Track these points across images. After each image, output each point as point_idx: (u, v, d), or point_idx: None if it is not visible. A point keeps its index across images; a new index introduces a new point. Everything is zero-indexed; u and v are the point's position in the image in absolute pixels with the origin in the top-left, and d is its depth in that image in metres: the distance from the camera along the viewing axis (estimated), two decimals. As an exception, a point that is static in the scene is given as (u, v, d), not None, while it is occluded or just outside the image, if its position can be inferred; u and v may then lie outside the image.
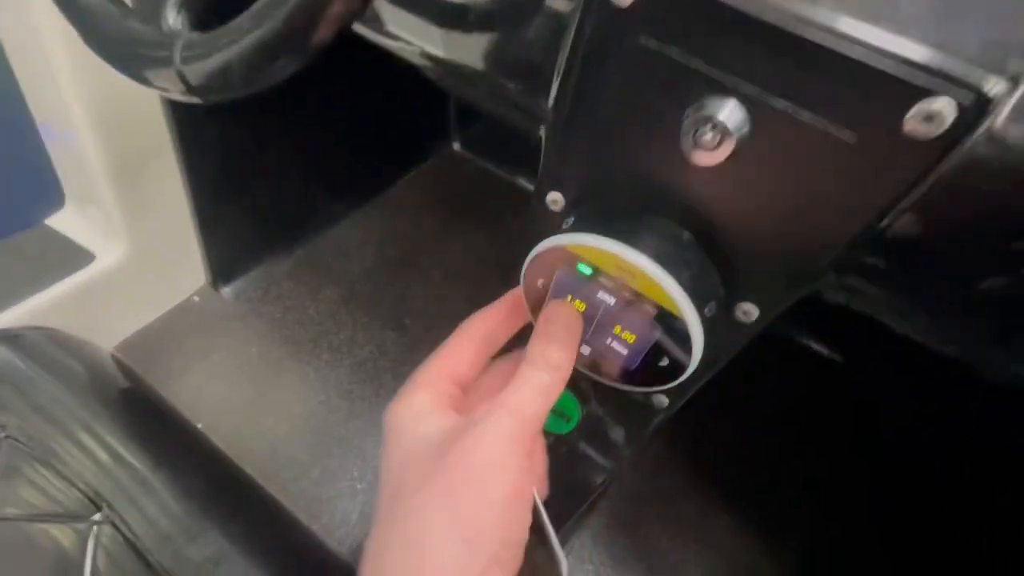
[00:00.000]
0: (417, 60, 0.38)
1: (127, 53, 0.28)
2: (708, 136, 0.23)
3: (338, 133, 0.80)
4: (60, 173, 0.63)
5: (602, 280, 0.29)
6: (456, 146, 0.99)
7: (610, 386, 0.36)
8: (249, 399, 0.65)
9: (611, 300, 0.30)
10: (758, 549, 0.62)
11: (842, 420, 0.74)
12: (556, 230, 0.31)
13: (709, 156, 0.24)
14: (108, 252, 0.61)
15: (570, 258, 0.30)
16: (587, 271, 0.29)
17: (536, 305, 0.34)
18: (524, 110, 0.34)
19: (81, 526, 0.44)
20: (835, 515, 0.66)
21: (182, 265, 0.71)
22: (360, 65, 0.55)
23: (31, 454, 0.47)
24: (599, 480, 0.49)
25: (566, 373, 0.30)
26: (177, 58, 0.26)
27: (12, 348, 0.55)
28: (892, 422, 0.74)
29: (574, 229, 0.30)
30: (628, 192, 0.30)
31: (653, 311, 0.28)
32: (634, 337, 0.31)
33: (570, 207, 0.33)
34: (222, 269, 0.74)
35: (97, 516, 0.44)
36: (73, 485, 0.46)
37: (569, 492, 0.50)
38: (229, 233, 0.72)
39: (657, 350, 0.30)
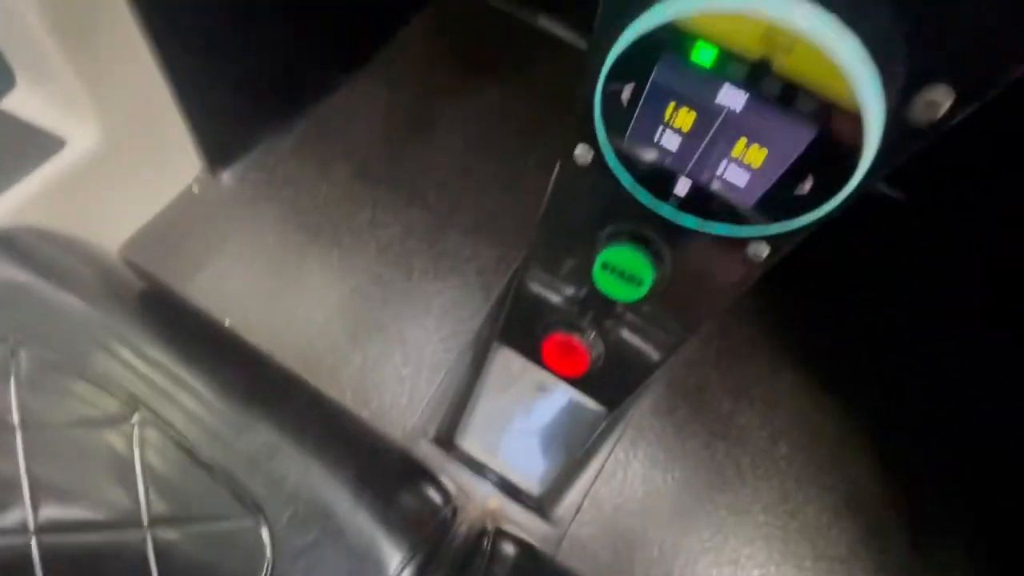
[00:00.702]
0: None
1: None
2: None
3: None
4: (2, 45, 0.52)
5: (730, 70, 0.20)
6: (462, -17, 0.82)
7: (695, 234, 0.28)
8: (274, 291, 0.60)
9: (739, 102, 0.21)
10: (826, 407, 0.59)
11: (909, 267, 0.67)
12: (650, 3, 0.21)
13: None
14: (79, 135, 0.53)
15: (681, 43, 0.20)
16: (708, 57, 0.20)
17: (613, 131, 0.26)
18: None
19: (124, 428, 0.42)
20: (904, 369, 0.62)
21: (171, 150, 0.62)
22: None
23: (53, 364, 0.44)
24: (667, 351, 0.44)
25: None
26: None
27: (6, 250, 0.49)
28: (962, 267, 0.67)
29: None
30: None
31: (810, 107, 0.20)
32: (764, 156, 0.22)
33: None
34: (218, 151, 0.65)
35: (135, 417, 0.42)
36: (106, 391, 0.43)
37: (636, 364, 0.46)
38: (216, 106, 0.62)
39: (798, 168, 0.22)
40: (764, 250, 0.31)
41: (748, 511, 0.54)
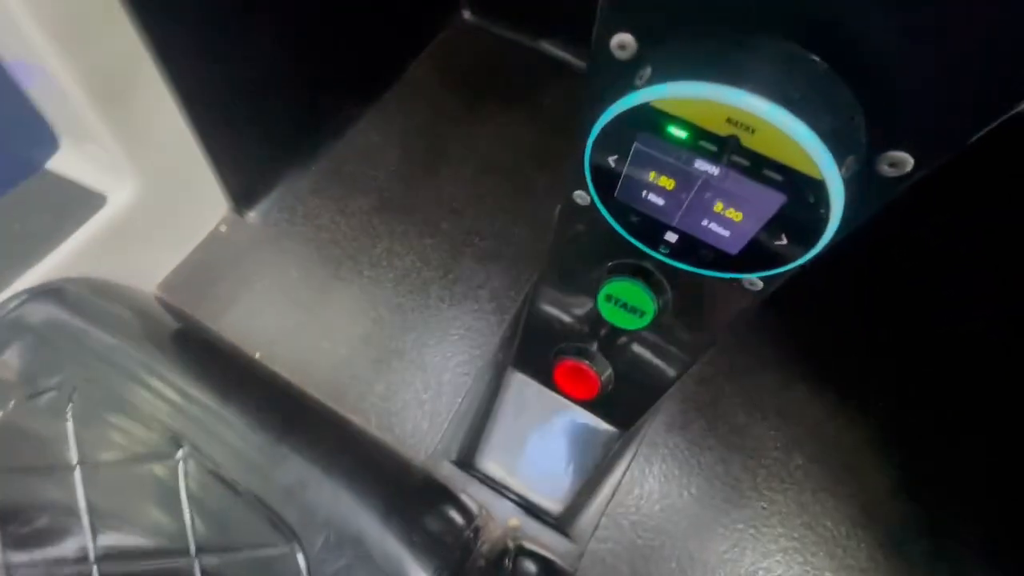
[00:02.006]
0: None
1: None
2: None
3: (332, 20, 0.69)
4: (46, 111, 0.57)
5: (703, 145, 0.22)
6: (467, 14, 0.85)
7: (693, 273, 0.30)
8: (300, 324, 0.64)
9: (715, 169, 0.23)
10: (840, 418, 0.60)
11: (922, 275, 0.67)
12: (628, 88, 0.23)
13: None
14: (118, 190, 0.57)
15: (657, 121, 0.22)
16: (683, 135, 0.22)
17: (603, 187, 0.28)
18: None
19: (169, 463, 0.45)
20: (919, 377, 0.62)
21: (200, 195, 0.67)
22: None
23: (103, 403, 0.48)
24: (675, 373, 0.45)
25: None
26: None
27: (57, 302, 0.54)
28: (977, 274, 0.67)
29: (655, 82, 0.22)
30: (733, 11, 0.21)
31: (777, 177, 0.22)
32: (742, 215, 0.24)
33: (644, 53, 0.24)
34: (242, 193, 0.69)
35: (180, 453, 0.45)
36: (150, 428, 0.46)
37: (645, 386, 0.48)
38: (240, 151, 0.66)
39: (773, 227, 0.24)
40: (759, 283, 0.32)
41: (766, 524, 0.55)
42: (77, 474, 0.45)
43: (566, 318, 0.47)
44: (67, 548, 0.43)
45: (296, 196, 0.71)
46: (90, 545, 0.44)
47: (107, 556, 0.43)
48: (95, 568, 0.43)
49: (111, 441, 0.47)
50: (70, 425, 0.46)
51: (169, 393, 0.51)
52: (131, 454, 0.46)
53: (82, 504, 0.44)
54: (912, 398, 0.61)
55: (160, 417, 0.47)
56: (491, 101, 0.78)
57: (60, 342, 0.51)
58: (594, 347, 0.48)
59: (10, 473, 0.45)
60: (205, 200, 0.67)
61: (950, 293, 0.66)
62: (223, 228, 0.69)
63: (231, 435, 0.47)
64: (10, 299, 0.51)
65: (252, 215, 0.70)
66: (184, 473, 0.45)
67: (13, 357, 0.49)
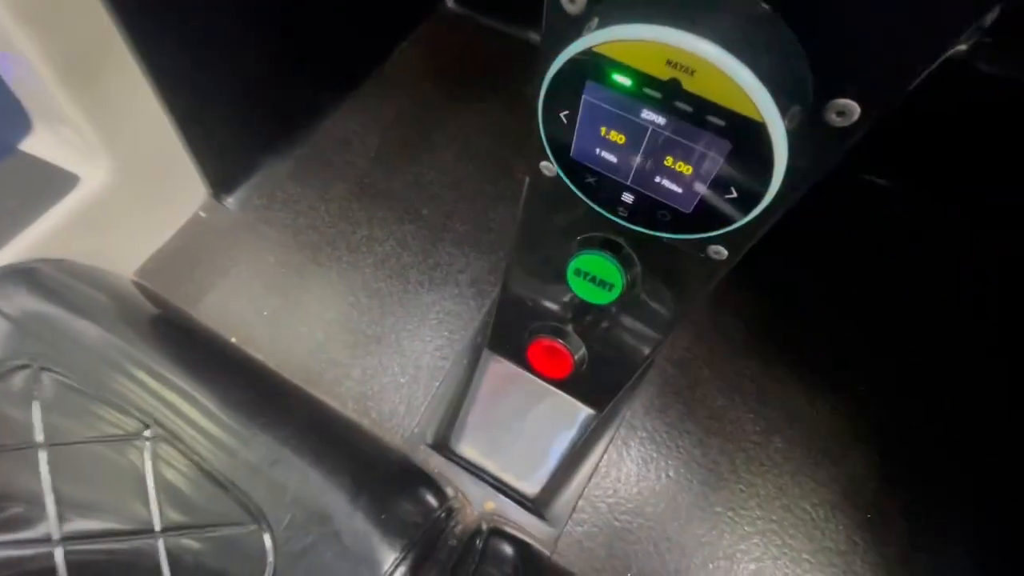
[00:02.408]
0: None
1: None
2: None
3: (315, 5, 0.69)
4: (19, 93, 0.56)
5: (647, 91, 0.22)
6: (450, 3, 0.85)
7: (658, 239, 0.30)
8: (277, 309, 0.63)
9: (661, 118, 0.23)
10: (819, 402, 0.60)
11: (902, 258, 0.67)
12: (577, 38, 0.23)
13: None
14: (92, 172, 0.57)
15: (601, 68, 0.22)
16: (626, 82, 0.22)
17: (559, 148, 0.28)
18: None
19: (136, 442, 0.45)
20: (898, 360, 0.62)
21: (178, 179, 0.66)
22: None
23: (72, 385, 0.47)
24: (647, 351, 0.45)
25: None
26: None
27: (28, 282, 0.53)
28: (957, 257, 0.67)
29: (602, 27, 0.22)
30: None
31: (720, 122, 0.21)
32: (692, 167, 0.24)
33: (592, 5, 0.24)
34: (221, 178, 0.68)
35: (147, 432, 0.45)
36: (118, 409, 0.46)
37: (618, 364, 0.47)
38: (218, 137, 0.66)
39: (722, 178, 0.24)
40: (723, 251, 0.32)
41: (744, 507, 0.55)
42: (43, 455, 0.44)
43: (538, 297, 0.46)
44: (31, 530, 0.43)
45: (275, 182, 0.71)
46: (54, 526, 0.43)
47: (71, 537, 0.43)
48: (59, 549, 0.42)
49: (78, 422, 0.46)
50: (37, 406, 0.46)
51: (140, 375, 0.50)
52: (98, 434, 0.45)
53: (47, 485, 0.44)
54: (891, 382, 0.61)
55: (132, 400, 0.47)
56: (472, 89, 0.78)
57: (31, 323, 0.50)
58: (567, 327, 0.48)
59: (-28, 452, 0.44)
60: (183, 186, 0.67)
61: (934, 277, 0.66)
62: (202, 214, 0.69)
63: (200, 415, 0.46)
64: (-21, 279, 0.51)
65: (231, 201, 0.69)
66: (151, 453, 0.44)
67: (-20, 337, 0.48)
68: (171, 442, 0.44)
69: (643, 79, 0.22)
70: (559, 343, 0.47)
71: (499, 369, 0.54)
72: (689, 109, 0.22)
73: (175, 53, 0.57)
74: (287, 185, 0.71)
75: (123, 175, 0.59)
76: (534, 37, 0.83)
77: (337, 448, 0.46)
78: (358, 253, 0.67)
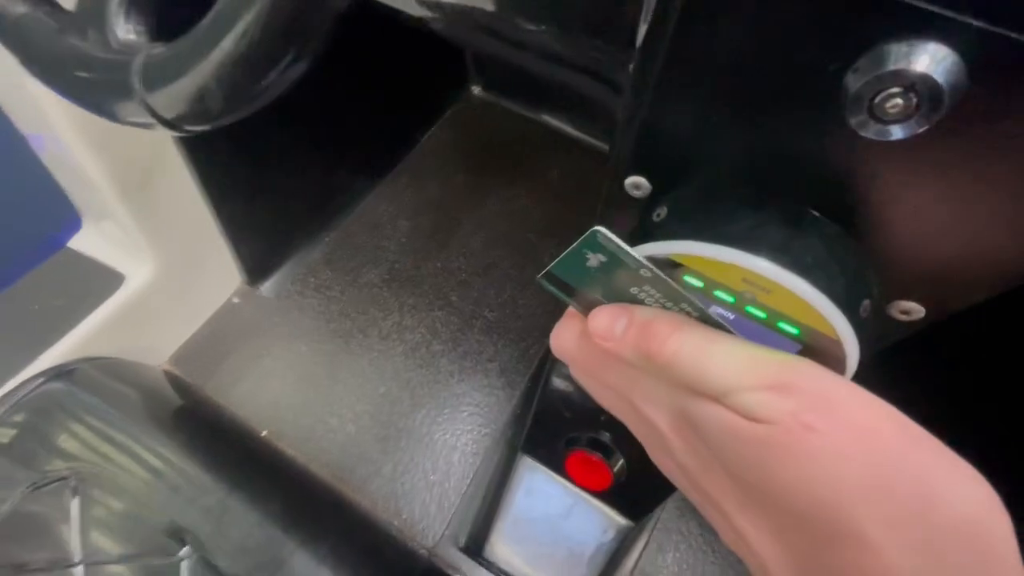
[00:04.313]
0: (428, 15, 0.29)
1: (75, 80, 0.21)
2: (896, 102, 0.16)
3: (348, 99, 0.72)
4: (67, 190, 0.59)
5: (718, 295, 0.23)
6: (477, 90, 0.89)
7: None
8: (308, 400, 0.64)
9: (730, 315, 0.23)
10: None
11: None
12: (650, 229, 0.24)
13: (891, 130, 0.16)
14: (136, 270, 0.58)
15: (675, 267, 0.23)
16: (698, 284, 0.23)
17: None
18: (587, 68, 0.25)
19: (172, 560, 0.44)
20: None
21: (214, 268, 0.68)
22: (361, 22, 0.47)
23: (109, 492, 0.47)
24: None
25: None
26: (137, 83, 0.19)
27: (69, 383, 0.54)
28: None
29: (669, 228, 0.23)
30: (748, 175, 0.22)
31: (792, 331, 0.22)
32: (758, 354, 0.25)
33: (658, 194, 0.25)
34: (256, 266, 0.70)
35: (185, 550, 0.44)
36: (154, 520, 0.45)
37: (658, 475, 0.47)
38: (255, 227, 0.68)
39: (791, 369, 0.24)
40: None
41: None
42: (80, 571, 0.44)
43: (577, 406, 0.46)
44: (63, 650, 0.42)
45: (308, 268, 0.72)
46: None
47: (103, 660, 0.42)
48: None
49: (115, 535, 0.46)
50: (75, 518, 0.46)
51: (176, 480, 0.50)
52: (135, 549, 0.45)
53: (82, 604, 0.43)
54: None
55: (165, 509, 0.47)
56: (500, 174, 0.81)
57: (70, 426, 0.51)
58: (606, 437, 0.47)
59: (14, 572, 0.44)
60: (219, 274, 0.69)
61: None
62: (236, 300, 0.70)
63: (236, 530, 0.46)
64: (27, 382, 0.51)
65: (265, 287, 0.71)
66: (187, 572, 0.44)
67: (25, 443, 0.49)
68: (207, 560, 0.44)
69: (715, 285, 0.22)
70: (597, 457, 0.47)
71: (534, 472, 0.54)
72: (761, 316, 0.22)
73: (224, 156, 0.59)
74: (320, 271, 0.72)
75: (165, 270, 0.60)
76: (558, 123, 0.86)
77: (371, 564, 0.46)
78: (389, 340, 0.67)
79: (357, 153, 0.76)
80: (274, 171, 0.66)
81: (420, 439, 0.61)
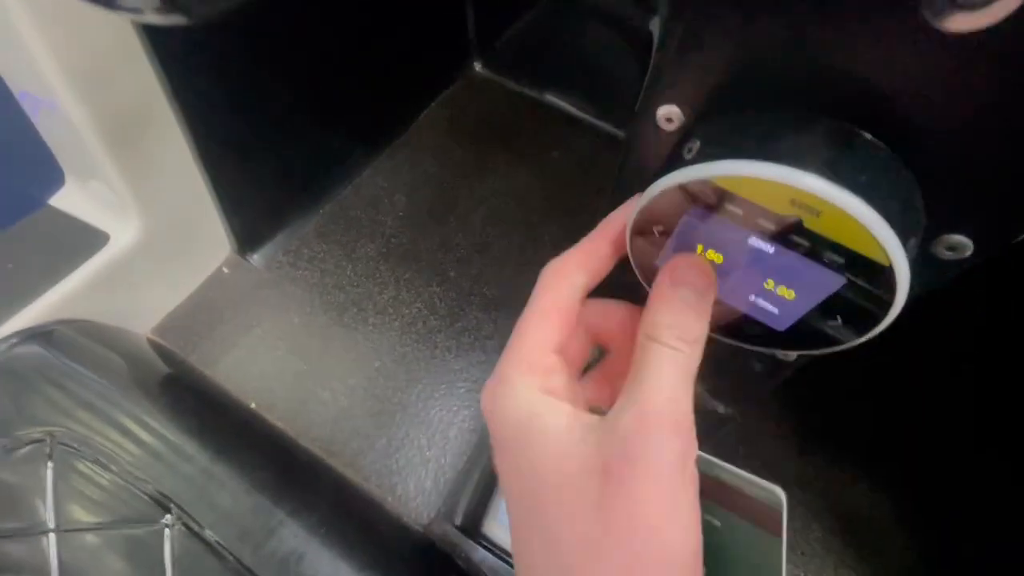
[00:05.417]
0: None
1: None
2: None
3: (347, 68, 0.70)
4: (53, 147, 0.56)
5: (761, 222, 0.21)
6: (478, 66, 0.87)
7: (727, 343, 0.29)
8: (300, 373, 0.61)
9: (770, 248, 0.22)
10: (859, 486, 0.58)
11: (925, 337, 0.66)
12: (678, 161, 0.23)
13: (971, 17, 0.15)
14: (122, 230, 0.55)
15: (712, 196, 0.22)
16: (739, 212, 0.22)
17: (645, 261, 0.27)
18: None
19: (154, 528, 0.42)
20: (937, 441, 0.60)
21: (204, 235, 0.65)
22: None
23: (85, 456, 0.44)
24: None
25: (703, 347, 0.23)
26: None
27: (45, 345, 0.51)
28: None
29: (707, 157, 0.22)
30: (793, 93, 0.21)
31: (839, 260, 0.21)
32: (795, 294, 0.23)
33: (691, 126, 0.24)
34: (247, 235, 0.67)
35: (168, 518, 0.42)
36: (135, 486, 0.43)
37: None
38: (248, 194, 0.65)
39: (830, 308, 0.23)
40: (792, 354, 0.31)
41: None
42: (52, 538, 0.41)
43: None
44: (32, 622, 0.39)
45: (301, 239, 0.70)
46: (58, 619, 0.40)
47: (77, 633, 0.39)
48: (63, 647, 0.39)
49: (92, 501, 0.44)
50: (49, 482, 0.43)
51: (159, 447, 0.47)
52: (113, 516, 0.42)
53: (55, 572, 0.40)
54: (932, 465, 0.59)
55: (148, 475, 0.44)
56: (500, 152, 0.79)
57: (46, 390, 0.48)
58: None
59: (-21, 536, 0.41)
60: (209, 241, 0.66)
61: (964, 366, 0.66)
62: (225, 270, 0.67)
63: (223, 497, 0.44)
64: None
65: (255, 257, 0.68)
66: (170, 540, 0.41)
67: (-4, 405, 0.46)
68: (192, 528, 0.41)
69: (759, 212, 0.21)
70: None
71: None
72: (806, 244, 0.21)
73: (216, 113, 0.57)
74: (313, 243, 0.70)
75: (152, 233, 0.58)
76: (560, 102, 0.85)
77: (366, 538, 0.44)
78: (385, 315, 0.65)
79: (354, 124, 0.74)
80: (270, 133, 0.64)
81: (415, 414, 0.59)
